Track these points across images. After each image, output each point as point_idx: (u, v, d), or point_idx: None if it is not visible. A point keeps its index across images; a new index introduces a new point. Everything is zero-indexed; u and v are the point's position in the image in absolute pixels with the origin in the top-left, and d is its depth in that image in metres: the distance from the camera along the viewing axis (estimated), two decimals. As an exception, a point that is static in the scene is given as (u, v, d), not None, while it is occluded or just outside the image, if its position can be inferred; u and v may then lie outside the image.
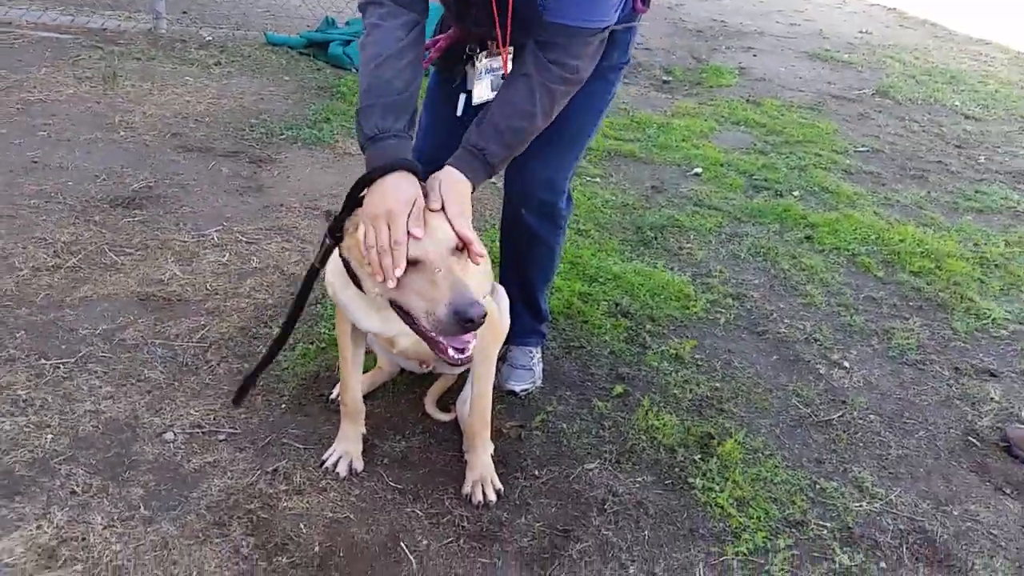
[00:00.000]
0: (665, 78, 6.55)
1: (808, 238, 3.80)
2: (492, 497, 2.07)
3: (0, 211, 3.14)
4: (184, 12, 6.32)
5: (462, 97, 2.15)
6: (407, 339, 1.92)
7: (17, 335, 2.45)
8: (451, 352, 1.66)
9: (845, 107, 6.13)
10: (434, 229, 1.66)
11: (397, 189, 1.66)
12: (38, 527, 1.81)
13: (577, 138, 2.26)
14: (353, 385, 2.11)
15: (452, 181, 1.78)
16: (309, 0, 6.33)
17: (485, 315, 1.58)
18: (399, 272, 1.62)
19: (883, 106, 6.26)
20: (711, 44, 7.80)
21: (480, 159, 1.82)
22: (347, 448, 2.13)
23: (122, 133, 4.01)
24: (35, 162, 3.60)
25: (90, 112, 4.22)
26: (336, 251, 1.83)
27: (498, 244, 2.48)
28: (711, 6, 9.63)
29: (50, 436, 2.08)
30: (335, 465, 2.11)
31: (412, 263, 1.61)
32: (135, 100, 4.45)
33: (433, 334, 1.64)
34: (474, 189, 1.81)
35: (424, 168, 1.78)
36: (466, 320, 1.56)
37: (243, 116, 4.46)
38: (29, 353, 2.38)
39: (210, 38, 5.74)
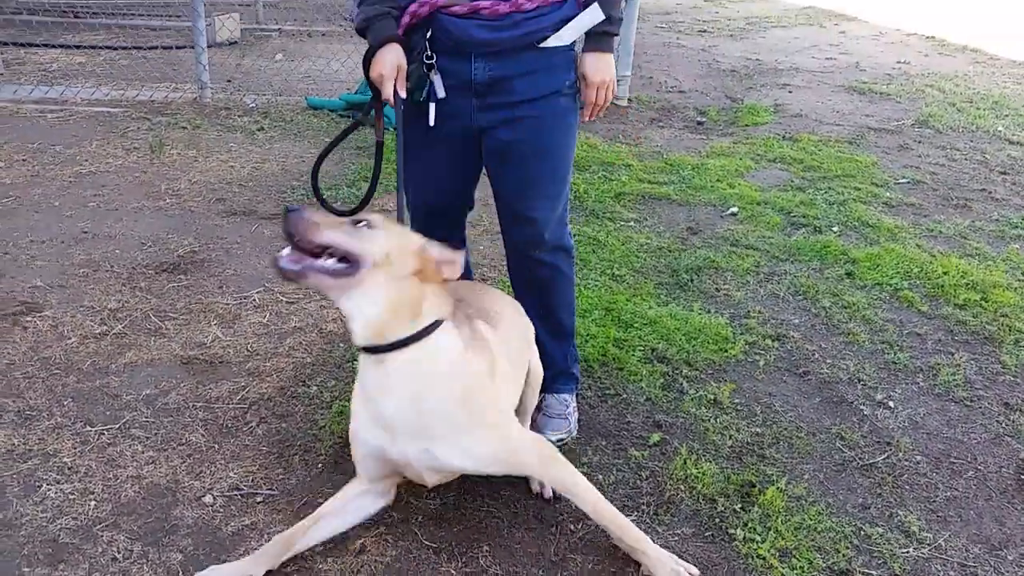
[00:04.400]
0: (699, 119, 6.57)
1: (849, 274, 3.74)
2: None
3: (52, 281, 3.27)
4: (228, 81, 6.56)
5: (432, 107, 2.23)
6: (433, 475, 1.96)
7: (64, 403, 2.53)
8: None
9: (884, 139, 6.06)
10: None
11: (384, 59, 2.13)
12: (80, 595, 1.85)
13: (564, 172, 2.37)
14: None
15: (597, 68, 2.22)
16: (347, 63, 6.51)
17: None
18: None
19: (923, 136, 6.18)
20: (746, 83, 7.81)
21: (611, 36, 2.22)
22: None
23: (168, 200, 4.15)
24: (85, 232, 3.74)
25: (138, 181, 4.38)
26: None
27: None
28: (745, 45, 9.67)
29: (93, 503, 2.13)
30: None
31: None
32: (181, 168, 4.61)
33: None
34: None
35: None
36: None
37: (285, 179, 4.58)
38: (75, 420, 2.46)
39: (253, 104, 5.94)
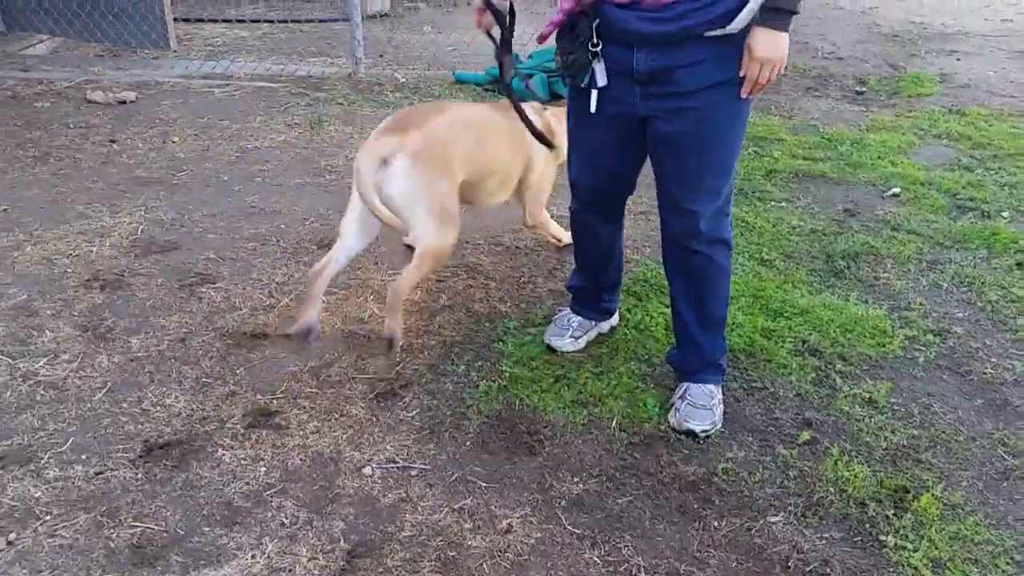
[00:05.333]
0: (859, 88, 6.25)
1: (1019, 265, 3.51)
2: None
3: (224, 254, 3.51)
4: (380, 55, 6.75)
5: (593, 94, 2.27)
6: None
7: (237, 371, 2.73)
8: None
9: (1067, 113, 5.59)
10: None
11: None
12: (252, 557, 2.01)
13: (727, 166, 2.30)
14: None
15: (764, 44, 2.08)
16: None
17: None
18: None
19: (1114, 109, 5.65)
20: (909, 49, 7.35)
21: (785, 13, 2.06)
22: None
23: (327, 177, 4.35)
24: (252, 207, 3.98)
25: (299, 157, 4.61)
26: None
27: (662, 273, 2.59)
28: (909, 6, 9.08)
29: (264, 469, 2.30)
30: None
31: None
32: (338, 144, 4.81)
33: None
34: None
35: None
36: None
37: (433, 154, 4.70)
38: (247, 388, 2.65)
39: (403, 79, 6.10)
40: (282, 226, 3.77)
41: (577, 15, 2.20)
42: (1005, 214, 3.99)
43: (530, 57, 6.11)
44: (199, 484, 2.24)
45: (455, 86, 5.96)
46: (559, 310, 3.02)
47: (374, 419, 2.53)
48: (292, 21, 8.15)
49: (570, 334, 2.87)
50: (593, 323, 2.92)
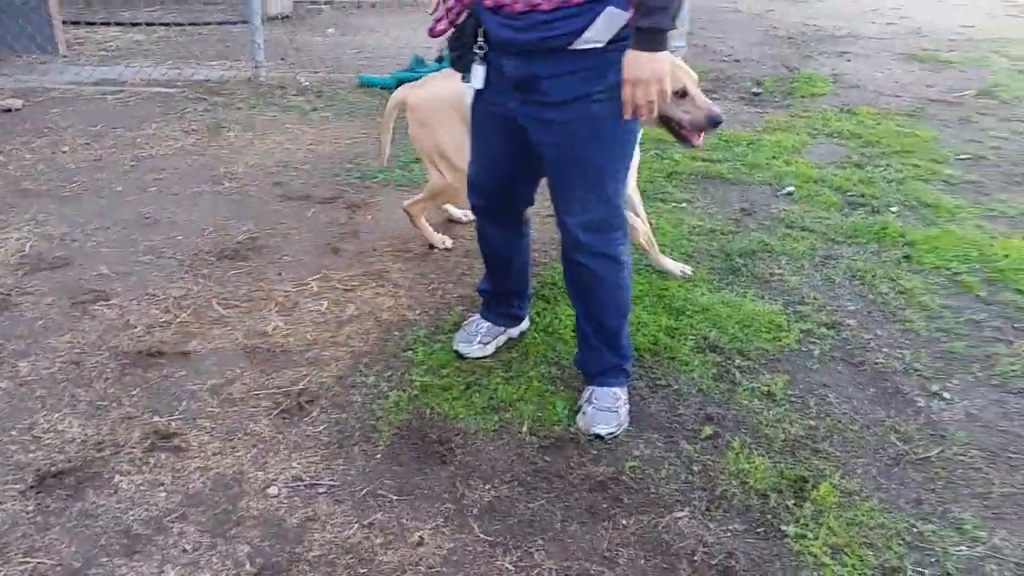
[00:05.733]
0: (755, 90, 6.45)
1: (907, 257, 3.68)
2: None
3: (118, 268, 3.38)
4: (282, 58, 6.62)
5: (474, 94, 2.34)
6: None
7: (134, 393, 2.64)
8: (697, 142, 2.59)
9: (945, 111, 5.89)
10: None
11: None
12: (155, 586, 1.95)
13: (596, 181, 2.28)
14: None
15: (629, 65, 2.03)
16: (399, 39, 6.53)
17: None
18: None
19: (987, 107, 5.99)
20: (803, 51, 7.63)
21: (653, 33, 1.99)
22: None
23: (227, 184, 4.24)
24: (147, 218, 3.85)
25: (197, 164, 4.48)
26: None
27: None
28: (803, 10, 9.43)
29: (163, 494, 2.23)
30: None
31: (681, 94, 2.51)
32: (238, 150, 4.70)
33: (686, 132, 2.56)
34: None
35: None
36: (718, 122, 2.53)
37: (339, 160, 4.64)
38: (144, 410, 2.56)
39: (307, 83, 6.00)
40: (179, 237, 3.66)
41: (464, 16, 2.21)
42: (893, 209, 4.18)
43: (437, 60, 6.09)
44: (95, 513, 2.15)
45: (360, 89, 5.90)
46: (469, 315, 3.02)
47: (279, 436, 2.48)
48: (190, 24, 7.92)
49: (478, 340, 2.87)
50: (502, 329, 2.93)
